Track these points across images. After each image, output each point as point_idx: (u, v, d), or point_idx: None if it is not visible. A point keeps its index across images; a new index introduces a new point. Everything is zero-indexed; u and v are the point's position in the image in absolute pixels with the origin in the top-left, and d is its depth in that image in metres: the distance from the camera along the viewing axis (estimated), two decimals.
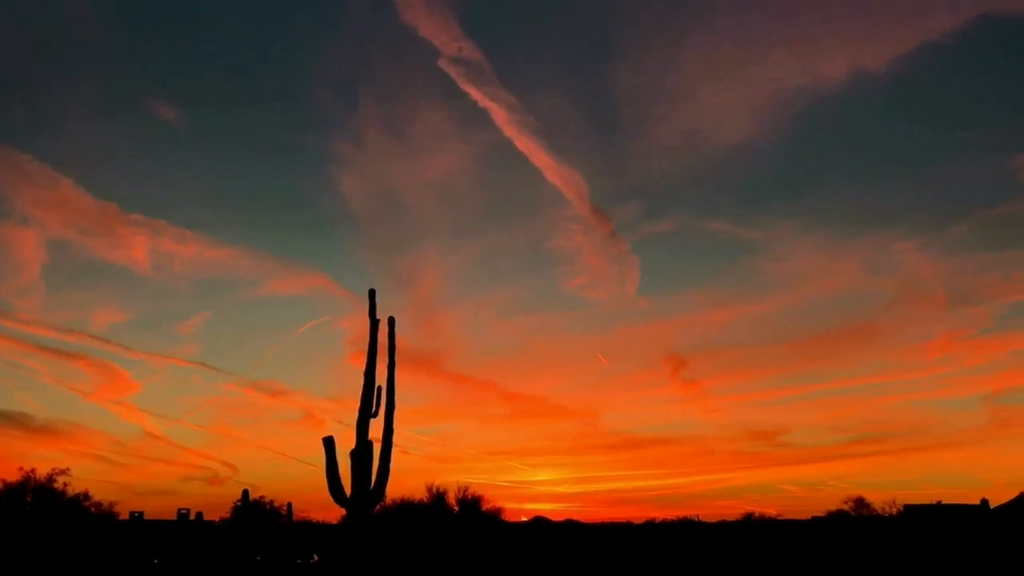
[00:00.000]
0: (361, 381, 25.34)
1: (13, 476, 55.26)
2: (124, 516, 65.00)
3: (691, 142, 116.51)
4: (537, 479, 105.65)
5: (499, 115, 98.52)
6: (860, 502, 72.17)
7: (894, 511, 68.55)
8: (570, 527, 79.41)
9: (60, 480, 56.17)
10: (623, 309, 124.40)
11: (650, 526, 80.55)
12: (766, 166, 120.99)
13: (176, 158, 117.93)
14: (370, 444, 24.69)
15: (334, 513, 61.94)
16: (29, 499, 55.00)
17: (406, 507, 63.97)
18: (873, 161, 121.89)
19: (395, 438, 25.10)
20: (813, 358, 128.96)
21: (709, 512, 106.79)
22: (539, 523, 79.42)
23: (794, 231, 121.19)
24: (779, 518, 79.38)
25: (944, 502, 66.74)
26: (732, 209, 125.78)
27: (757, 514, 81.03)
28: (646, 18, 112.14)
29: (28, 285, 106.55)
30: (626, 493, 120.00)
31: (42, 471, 56.00)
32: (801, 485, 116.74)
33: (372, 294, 26.19)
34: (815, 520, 76.42)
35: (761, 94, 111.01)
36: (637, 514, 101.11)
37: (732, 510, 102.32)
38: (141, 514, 66.13)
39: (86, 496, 58.89)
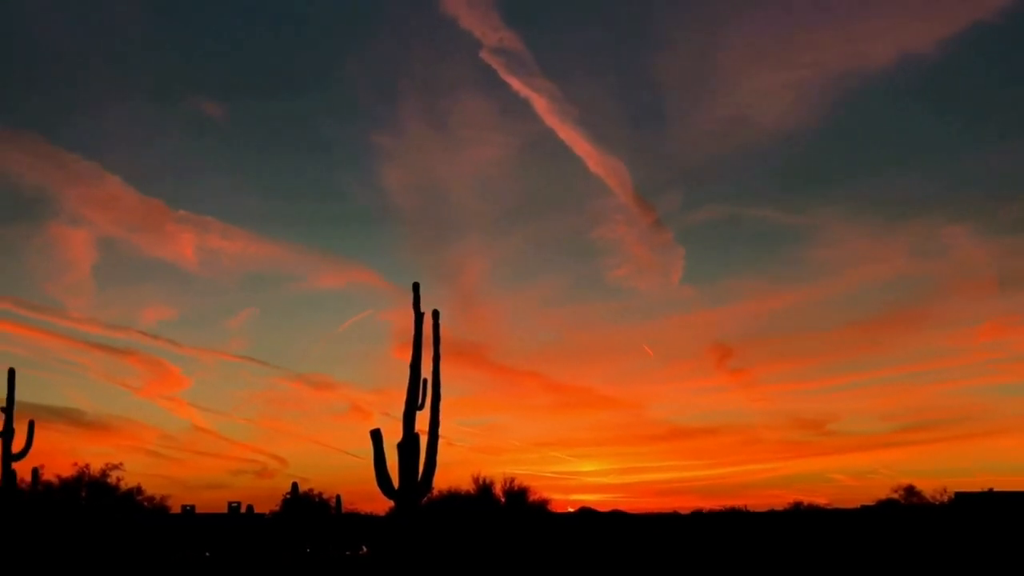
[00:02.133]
0: (406, 373, 25.51)
1: (67, 471, 56.33)
2: (176, 510, 66.01)
3: (734, 128, 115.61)
4: (583, 470, 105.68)
5: (540, 105, 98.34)
6: (910, 490, 71.54)
7: (945, 499, 67.86)
8: (617, 518, 79.32)
9: (114, 475, 57.22)
10: (667, 299, 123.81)
11: (697, 516, 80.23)
12: (810, 151, 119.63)
13: (221, 154, 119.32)
14: (417, 436, 24.89)
15: (382, 505, 62.38)
16: (83, 494, 55.99)
17: (453, 499, 64.30)
18: (919, 144, 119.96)
19: (441, 430, 25.27)
20: (860, 345, 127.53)
21: (757, 502, 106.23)
22: (586, 514, 79.42)
23: (839, 217, 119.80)
24: (828, 507, 78.95)
25: (996, 489, 65.98)
26: (776, 196, 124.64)
27: (805, 503, 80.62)
28: (688, 3, 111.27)
29: (78, 283, 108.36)
30: (673, 483, 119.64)
31: (95, 466, 57.04)
32: (850, 474, 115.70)
33: (416, 287, 26.34)
34: (864, 509, 75.78)
35: (805, 78, 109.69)
36: (684, 504, 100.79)
37: (780, 499, 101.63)
38: (192, 507, 67.07)
39: (139, 490, 59.95)
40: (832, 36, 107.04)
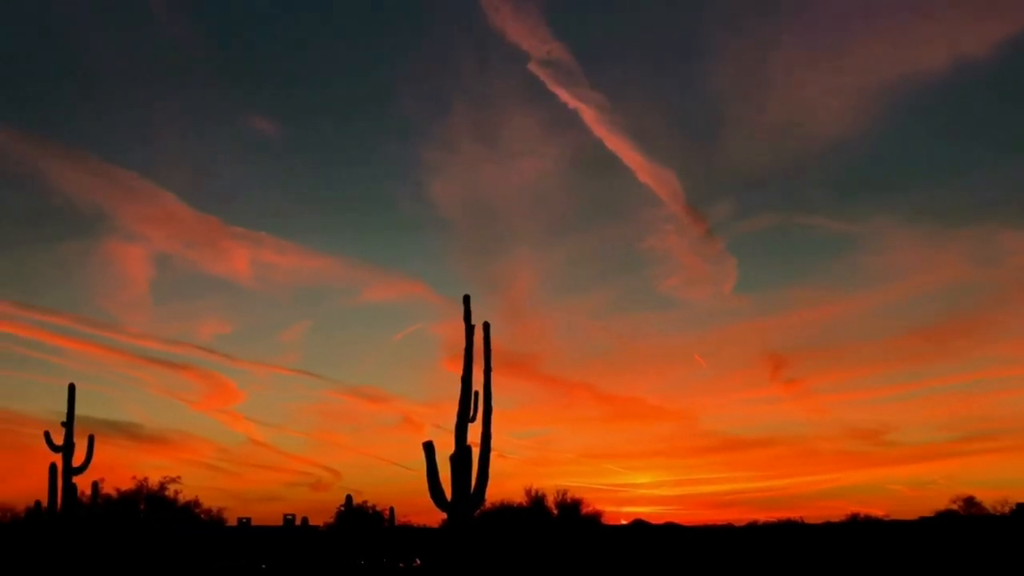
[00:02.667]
0: (457, 386, 25.60)
1: (127, 485, 57.27)
2: (232, 522, 66.71)
3: (787, 136, 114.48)
4: (636, 482, 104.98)
5: (589, 115, 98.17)
6: (970, 501, 70.37)
7: (1006, 510, 66.62)
8: (670, 530, 78.83)
9: (172, 488, 58.08)
10: (720, 308, 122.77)
11: (752, 528, 79.49)
12: (864, 158, 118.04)
13: (274, 170, 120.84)
14: (469, 449, 24.94)
15: (434, 517, 62.59)
16: (142, 507, 56.84)
17: (505, 511, 64.32)
18: (976, 150, 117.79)
19: (493, 442, 25.30)
20: (918, 354, 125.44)
21: (813, 513, 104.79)
22: (639, 526, 79.00)
23: (894, 224, 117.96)
24: (886, 519, 77.73)
25: None
26: (830, 203, 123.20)
27: (863, 515, 79.51)
28: (738, 10, 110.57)
29: (135, 299, 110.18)
30: (727, 495, 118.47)
31: (154, 479, 57.93)
32: (908, 484, 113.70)
33: (467, 300, 26.43)
34: (923, 520, 74.58)
35: (858, 84, 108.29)
36: (739, 516, 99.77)
37: (837, 511, 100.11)
38: (248, 520, 67.74)
39: (196, 503, 60.76)
40: (885, 41, 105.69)
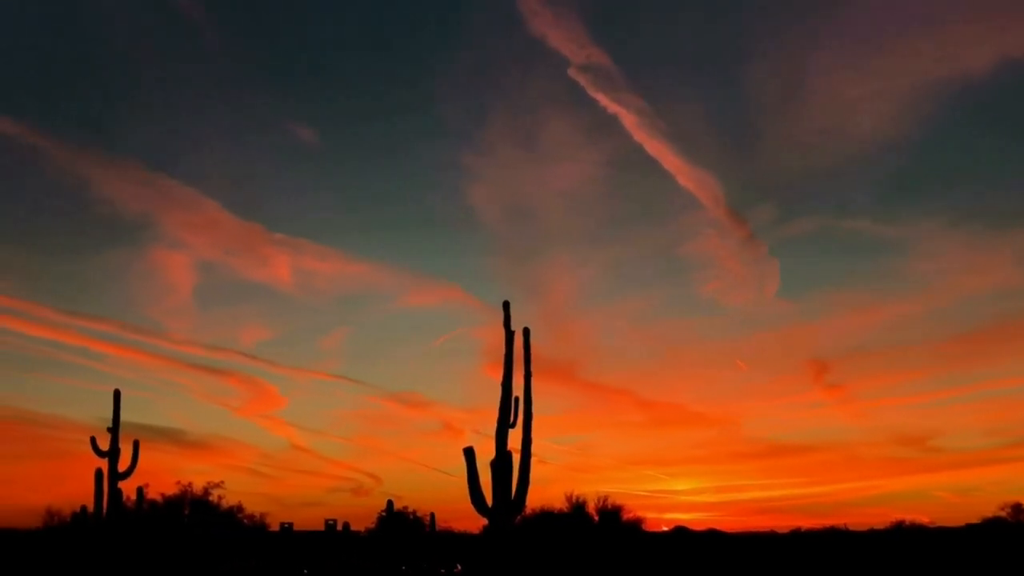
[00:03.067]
0: (497, 391, 25.60)
1: (171, 489, 57.82)
2: (274, 527, 67.16)
3: (828, 139, 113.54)
4: (677, 488, 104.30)
5: (628, 120, 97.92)
6: (1017, 508, 69.26)
7: None
8: (712, 537, 78.26)
9: (215, 493, 58.55)
10: (762, 313, 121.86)
11: (796, 535, 78.84)
12: (907, 161, 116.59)
13: (315, 177, 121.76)
14: (509, 454, 24.93)
15: (475, 523, 62.66)
16: (186, 511, 57.38)
17: (546, 517, 64.20)
18: (1022, 150, 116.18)
19: (533, 448, 25.28)
20: (964, 358, 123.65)
21: (857, 520, 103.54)
22: (680, 533, 78.57)
23: (939, 227, 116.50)
24: (931, 526, 76.79)
25: None
26: (873, 207, 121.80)
27: (908, 522, 78.53)
28: (778, 12, 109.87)
29: (179, 306, 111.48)
30: (770, 502, 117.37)
31: (198, 485, 58.45)
32: (954, 491, 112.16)
33: (506, 306, 26.43)
34: (969, 527, 73.59)
35: (901, 86, 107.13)
36: (781, 523, 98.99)
37: (881, 518, 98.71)
38: (291, 525, 68.17)
39: (239, 508, 61.17)
40: (928, 43, 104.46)
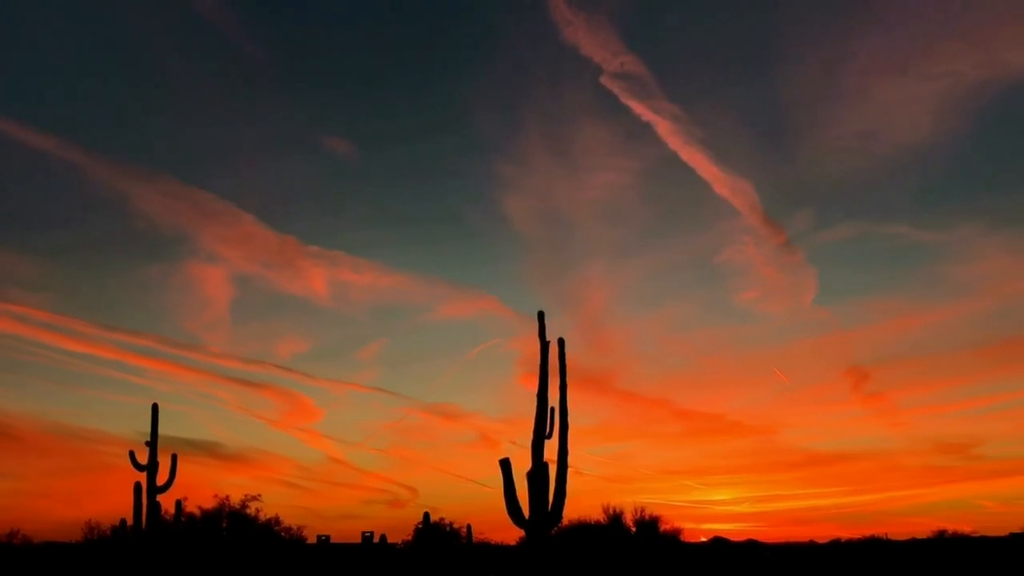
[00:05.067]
0: (533, 402, 25.53)
1: (209, 503, 58.01)
2: (312, 540, 67.26)
3: (865, 143, 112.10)
4: (715, 498, 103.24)
5: (663, 127, 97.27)
6: None
7: None
8: (751, 547, 77.54)
9: (253, 506, 58.65)
10: (799, 321, 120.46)
11: (835, 545, 77.93)
12: (946, 165, 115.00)
13: (349, 190, 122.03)
14: (546, 465, 24.83)
15: (512, 534, 62.50)
16: (224, 524, 57.59)
17: (583, 528, 63.84)
18: None
19: (569, 459, 25.17)
20: (1006, 364, 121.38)
21: (898, 530, 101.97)
22: (719, 543, 77.92)
23: (979, 232, 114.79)
24: (974, 535, 75.58)
25: None
26: (911, 212, 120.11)
27: (950, 531, 77.44)
28: (813, 16, 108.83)
29: (216, 320, 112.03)
30: (809, 511, 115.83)
31: (235, 497, 58.62)
32: (998, 500, 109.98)
33: (541, 316, 26.37)
34: (1013, 536, 72.46)
35: (939, 89, 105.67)
36: (821, 533, 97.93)
37: (923, 527, 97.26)
38: (328, 537, 68.26)
39: (277, 521, 61.21)
40: (966, 44, 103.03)
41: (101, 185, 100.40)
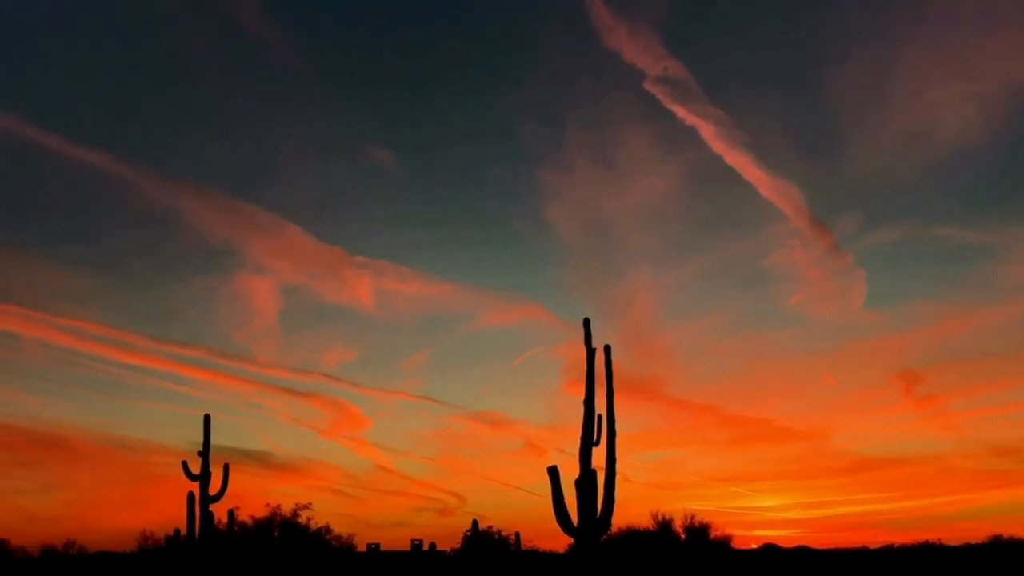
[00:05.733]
0: (579, 409, 25.59)
1: (260, 512, 58.62)
2: (361, 548, 67.67)
3: (914, 144, 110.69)
4: (765, 504, 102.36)
5: (707, 131, 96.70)
6: None
7: None
8: (802, 553, 76.82)
9: (304, 515, 59.16)
10: (848, 325, 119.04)
11: (888, 551, 76.99)
12: (996, 165, 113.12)
13: (393, 200, 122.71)
14: (594, 473, 24.87)
15: (561, 542, 62.31)
16: (276, 533, 58.16)
17: (632, 536, 63.65)
18: None
19: (618, 466, 25.19)
20: None
21: (952, 535, 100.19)
22: (769, 550, 77.28)
23: None
24: None
25: None
26: (961, 213, 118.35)
27: (1006, 536, 76.19)
28: (858, 15, 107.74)
29: (264, 330, 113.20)
30: (860, 517, 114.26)
31: (286, 506, 59.18)
32: None
33: (587, 323, 26.44)
34: None
35: (989, 89, 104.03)
36: (873, 539, 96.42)
37: (977, 532, 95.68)
38: (377, 545, 68.61)
39: (328, 529, 61.69)
40: (1016, 44, 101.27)
41: (151, 199, 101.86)
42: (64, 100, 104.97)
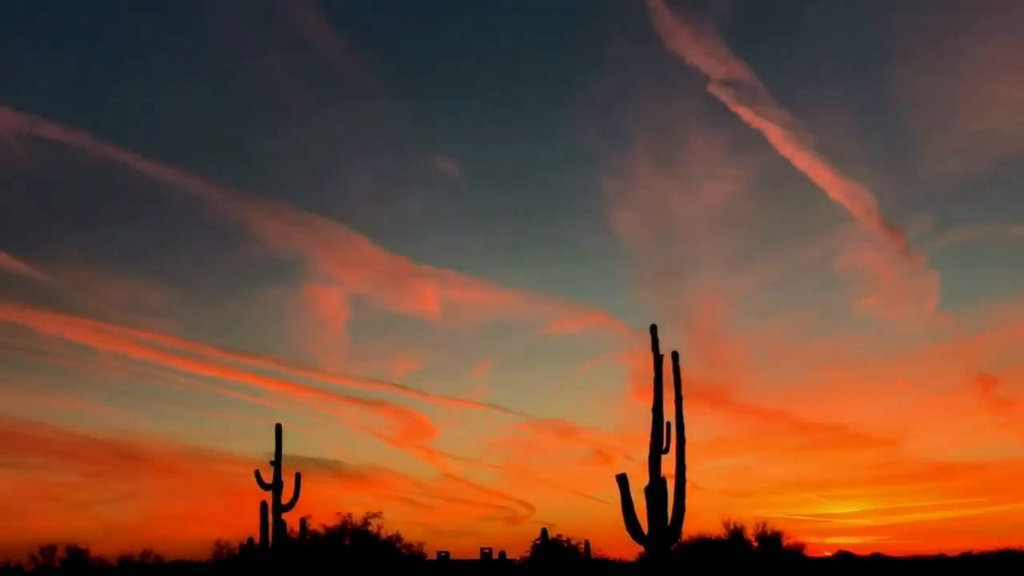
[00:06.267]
0: (646, 416, 25.41)
1: (332, 520, 59.28)
2: (431, 556, 68.00)
3: (987, 143, 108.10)
4: (838, 512, 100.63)
5: (774, 134, 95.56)
6: None
7: None
8: (878, 562, 75.43)
9: (374, 523, 59.69)
10: (922, 327, 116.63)
11: (967, 559, 75.17)
12: None
13: (458, 209, 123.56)
14: (663, 480, 24.69)
15: (631, 551, 61.98)
16: (347, 542, 58.71)
17: (703, 544, 63.04)
18: None
19: (687, 473, 24.97)
20: None
21: None
22: (844, 558, 75.97)
23: None
24: None
25: None
26: None
27: None
28: (927, 12, 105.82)
29: (333, 340, 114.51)
30: (937, 524, 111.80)
31: (357, 515, 59.75)
32: None
33: (654, 330, 26.25)
34: None
35: None
36: (951, 546, 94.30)
37: None
38: (447, 554, 68.88)
39: (398, 538, 62.14)
40: None
41: (221, 213, 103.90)
42: (136, 117, 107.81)
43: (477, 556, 68.99)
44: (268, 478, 37.46)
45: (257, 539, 37.72)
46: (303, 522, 43.83)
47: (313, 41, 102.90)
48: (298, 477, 38.02)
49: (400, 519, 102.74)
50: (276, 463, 37.53)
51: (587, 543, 57.66)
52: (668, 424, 25.19)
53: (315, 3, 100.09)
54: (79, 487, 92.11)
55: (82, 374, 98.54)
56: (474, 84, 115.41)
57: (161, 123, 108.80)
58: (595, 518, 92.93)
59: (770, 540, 65.10)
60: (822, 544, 79.66)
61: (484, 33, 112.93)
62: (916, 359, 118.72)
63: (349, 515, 59.52)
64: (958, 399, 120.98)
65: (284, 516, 37.58)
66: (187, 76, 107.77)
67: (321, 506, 64.40)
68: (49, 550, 67.66)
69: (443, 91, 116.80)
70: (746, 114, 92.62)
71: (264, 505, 37.38)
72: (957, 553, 78.93)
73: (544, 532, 56.17)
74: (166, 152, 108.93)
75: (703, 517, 70.56)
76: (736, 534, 64.79)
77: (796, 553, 66.11)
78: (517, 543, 77.12)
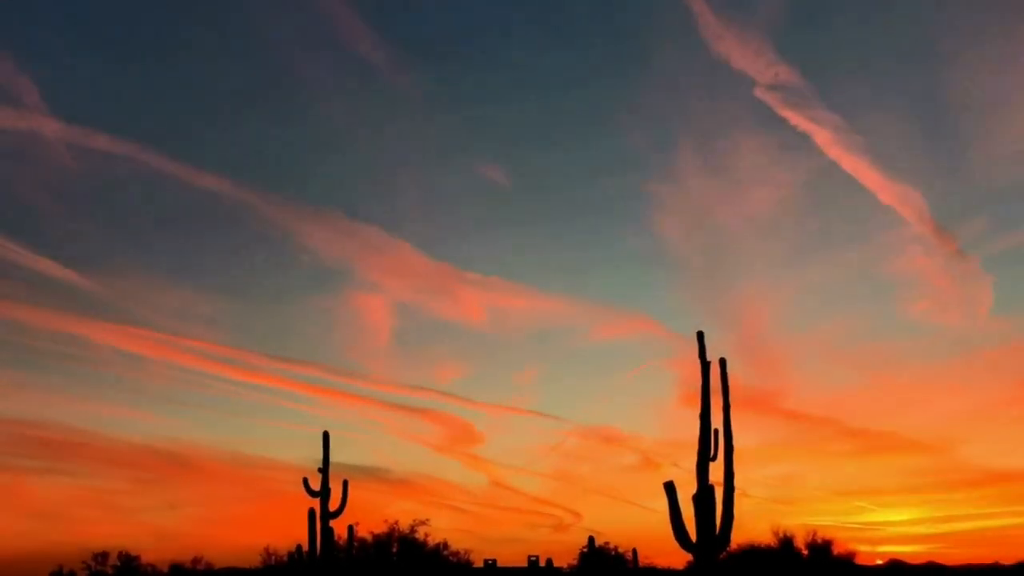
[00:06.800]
0: (693, 424, 25.22)
1: (379, 527, 59.55)
2: (478, 564, 68.02)
3: None
4: (890, 519, 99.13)
5: (822, 137, 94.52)
6: None
7: None
8: (931, 570, 74.27)
9: (421, 531, 59.88)
10: (976, 332, 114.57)
11: (1022, 567, 73.76)
12: None
13: (502, 214, 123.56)
14: (711, 488, 24.49)
15: (679, 559, 61.54)
16: (395, 549, 58.94)
17: (753, 552, 62.48)
18: None
19: (736, 481, 24.75)
20: None
21: None
22: (896, 566, 74.89)
23: None
24: None
25: None
26: None
27: None
28: (978, 13, 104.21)
29: (379, 348, 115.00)
30: (993, 531, 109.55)
31: (404, 522, 59.97)
32: None
33: (700, 336, 26.06)
34: None
35: None
36: (1006, 554, 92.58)
37: None
38: (494, 561, 68.87)
39: (445, 545, 62.28)
40: None
41: (268, 222, 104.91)
42: (186, 128, 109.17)
43: (524, 564, 68.91)
44: (316, 485, 37.67)
45: (305, 546, 37.92)
46: (351, 529, 44.00)
47: (361, 52, 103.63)
48: (345, 484, 38.19)
49: (447, 526, 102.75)
50: (324, 470, 37.72)
51: (635, 551, 57.36)
52: (716, 431, 24.98)
53: (363, 17, 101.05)
54: (130, 494, 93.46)
55: (133, 383, 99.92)
56: (519, 90, 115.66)
57: (211, 134, 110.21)
58: (643, 525, 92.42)
59: (820, 548, 64.39)
60: (873, 552, 78.63)
61: (530, 41, 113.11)
62: (969, 364, 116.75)
63: (396, 522, 59.83)
64: (1013, 404, 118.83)
65: (332, 523, 37.73)
66: (235, 88, 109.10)
67: (368, 513, 64.56)
68: (102, 556, 68.70)
69: (488, 98, 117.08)
70: (793, 117, 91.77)
71: (312, 512, 37.58)
72: (1013, 562, 77.54)
73: (591, 540, 56.04)
74: (214, 162, 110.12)
75: (752, 525, 69.96)
76: (786, 542, 64.15)
77: (847, 562, 65.31)
78: (564, 551, 76.86)
